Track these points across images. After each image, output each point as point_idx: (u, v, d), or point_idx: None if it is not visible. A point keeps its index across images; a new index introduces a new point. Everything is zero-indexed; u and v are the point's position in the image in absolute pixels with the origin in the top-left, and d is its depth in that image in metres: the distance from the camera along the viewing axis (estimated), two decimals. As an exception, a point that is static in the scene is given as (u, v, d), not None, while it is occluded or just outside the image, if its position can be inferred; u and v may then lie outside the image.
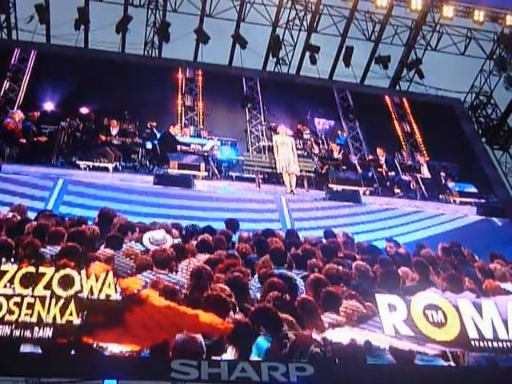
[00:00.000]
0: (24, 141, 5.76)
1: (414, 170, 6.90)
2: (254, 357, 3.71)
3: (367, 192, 6.43)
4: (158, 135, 6.40)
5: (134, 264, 4.19)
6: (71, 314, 3.83)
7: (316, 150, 6.89)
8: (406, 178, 6.78)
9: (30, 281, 3.94)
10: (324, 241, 4.92)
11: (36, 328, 3.72)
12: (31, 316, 3.76)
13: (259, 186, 6.19)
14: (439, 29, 8.48)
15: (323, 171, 6.51)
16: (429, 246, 5.46)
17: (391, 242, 5.30)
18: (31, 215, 4.66)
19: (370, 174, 6.73)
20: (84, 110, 6.26)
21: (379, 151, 7.04)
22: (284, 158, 6.38)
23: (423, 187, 6.66)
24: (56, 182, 5.22)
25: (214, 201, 5.71)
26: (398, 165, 6.90)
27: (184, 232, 4.63)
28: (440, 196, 6.60)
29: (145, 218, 4.77)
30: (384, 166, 6.90)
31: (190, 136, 6.67)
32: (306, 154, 6.69)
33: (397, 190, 6.62)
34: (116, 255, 4.29)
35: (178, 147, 6.31)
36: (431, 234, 5.77)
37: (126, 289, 4.04)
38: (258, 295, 4.08)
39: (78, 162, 5.72)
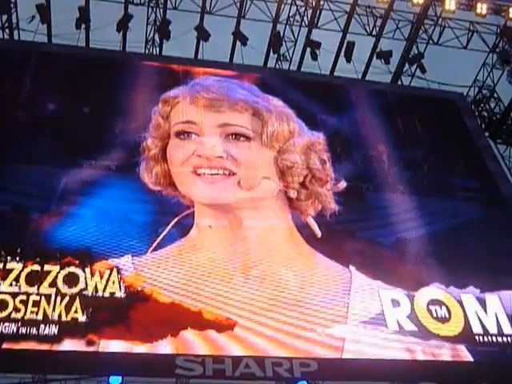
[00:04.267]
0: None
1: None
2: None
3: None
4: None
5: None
6: (76, 312, 3.88)
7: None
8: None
9: (35, 279, 3.99)
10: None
11: (42, 325, 3.76)
12: (37, 314, 3.81)
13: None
14: (441, 22, 8.39)
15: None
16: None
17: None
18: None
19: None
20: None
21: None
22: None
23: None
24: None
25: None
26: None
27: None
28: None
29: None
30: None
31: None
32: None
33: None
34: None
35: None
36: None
37: (130, 286, 4.07)
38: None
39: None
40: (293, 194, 4.32)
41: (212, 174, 4.17)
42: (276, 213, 4.42)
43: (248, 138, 4.30)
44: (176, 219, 4.35)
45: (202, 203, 4.37)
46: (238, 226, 4.33)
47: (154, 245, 4.36)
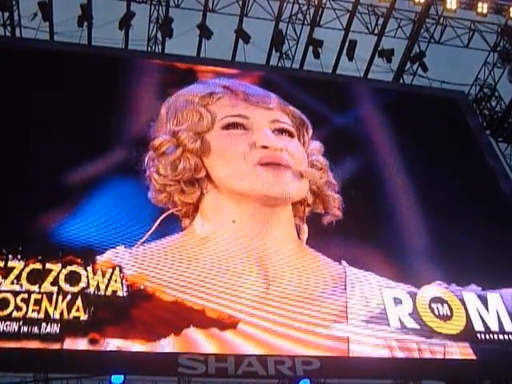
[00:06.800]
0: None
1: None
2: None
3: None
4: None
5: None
6: (78, 310, 3.87)
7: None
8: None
9: (36, 277, 3.98)
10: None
11: (43, 324, 3.76)
12: (38, 312, 3.80)
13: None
14: (442, 21, 8.40)
15: None
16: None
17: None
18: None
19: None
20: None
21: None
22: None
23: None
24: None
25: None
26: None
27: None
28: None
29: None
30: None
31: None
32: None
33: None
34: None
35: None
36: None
37: (132, 284, 4.07)
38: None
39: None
40: (309, 196, 4.42)
41: (277, 165, 4.17)
42: (292, 212, 4.45)
43: (292, 136, 4.41)
44: (162, 216, 4.31)
45: (256, 195, 4.25)
46: (264, 222, 4.28)
47: (145, 237, 4.34)
